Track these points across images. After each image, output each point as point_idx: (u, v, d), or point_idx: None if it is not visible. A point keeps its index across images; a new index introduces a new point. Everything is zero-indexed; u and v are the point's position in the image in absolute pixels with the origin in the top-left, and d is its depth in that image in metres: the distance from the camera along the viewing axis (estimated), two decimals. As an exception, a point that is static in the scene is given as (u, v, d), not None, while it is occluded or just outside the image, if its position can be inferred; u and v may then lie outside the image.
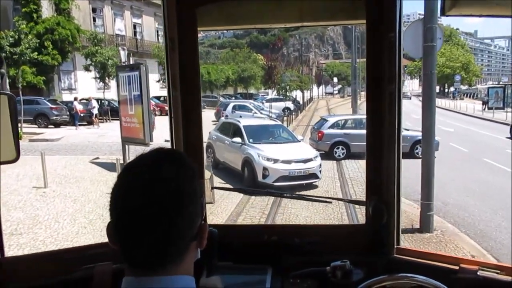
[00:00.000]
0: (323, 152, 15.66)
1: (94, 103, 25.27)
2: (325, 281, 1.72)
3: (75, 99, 25.20)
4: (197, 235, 0.94)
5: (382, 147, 1.80)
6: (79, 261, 1.76)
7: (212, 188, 2.01)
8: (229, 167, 12.80)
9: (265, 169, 10.96)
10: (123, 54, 16.80)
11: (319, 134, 15.69)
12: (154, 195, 0.88)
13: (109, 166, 12.49)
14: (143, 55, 40.36)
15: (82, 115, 24.49)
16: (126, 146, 13.07)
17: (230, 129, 13.48)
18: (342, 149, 15.35)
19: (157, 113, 29.93)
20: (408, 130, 16.07)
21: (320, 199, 2.71)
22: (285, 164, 10.92)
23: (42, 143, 17.86)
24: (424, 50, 6.99)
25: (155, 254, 0.88)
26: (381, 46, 1.76)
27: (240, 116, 18.96)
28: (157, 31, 43.56)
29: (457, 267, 1.65)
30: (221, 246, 1.49)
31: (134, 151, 13.66)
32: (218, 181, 10.67)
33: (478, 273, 1.61)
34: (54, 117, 23.93)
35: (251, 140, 12.19)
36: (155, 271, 0.88)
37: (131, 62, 39.30)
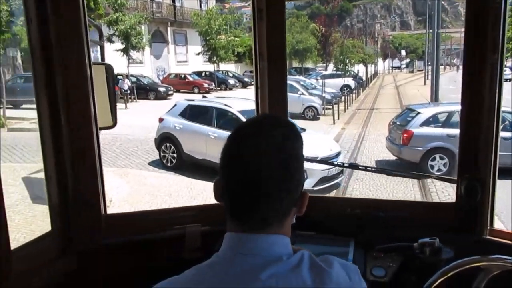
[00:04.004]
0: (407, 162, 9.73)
1: None
2: (411, 257, 1.67)
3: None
4: (298, 200, 0.96)
5: (480, 122, 1.71)
6: (170, 222, 1.91)
7: None
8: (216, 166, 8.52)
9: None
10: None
11: (405, 135, 9.54)
12: (268, 157, 0.90)
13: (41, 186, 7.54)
14: (182, 25, 35.74)
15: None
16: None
17: (208, 116, 10.27)
18: (444, 160, 9.23)
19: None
20: None
21: (407, 174, 1.56)
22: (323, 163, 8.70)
23: (18, 133, 13.53)
24: None
25: (262, 214, 0.91)
26: (485, 12, 1.64)
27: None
28: (200, -2, 38.58)
29: None
30: (304, 216, 1.09)
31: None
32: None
33: None
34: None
35: None
36: (258, 229, 0.92)
37: (169, 33, 35.11)
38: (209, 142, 9.70)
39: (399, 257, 1.72)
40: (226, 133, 9.57)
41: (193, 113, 10.45)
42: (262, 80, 1.95)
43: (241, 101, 11.48)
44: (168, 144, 10.36)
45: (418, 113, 10.17)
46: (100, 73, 1.79)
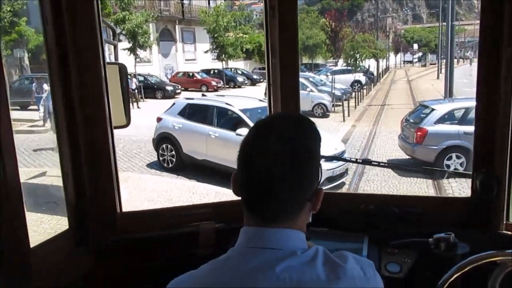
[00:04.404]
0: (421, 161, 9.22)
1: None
2: (426, 252, 1.66)
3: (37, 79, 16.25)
4: (312, 197, 0.98)
5: (495, 116, 1.70)
6: (185, 219, 1.94)
7: None
8: (219, 167, 9.10)
9: None
10: None
11: (419, 133, 8.97)
12: (277, 157, 0.93)
13: (47, 190, 7.37)
14: (191, 23, 35.38)
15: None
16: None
17: (208, 115, 9.91)
18: (461, 159, 8.69)
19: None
20: None
21: (420, 169, 1.18)
22: (328, 162, 8.19)
23: (21, 136, 12.96)
24: None
25: (274, 210, 0.94)
26: (501, 5, 1.64)
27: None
28: (208, -5, 38.15)
29: None
30: (317, 212, 1.11)
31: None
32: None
33: None
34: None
35: None
36: (272, 224, 0.94)
37: (177, 31, 34.80)
38: (209, 142, 9.46)
39: (414, 252, 1.72)
40: (227, 133, 9.36)
41: (192, 112, 10.15)
42: (274, 77, 1.97)
43: (242, 100, 11.28)
44: (166, 145, 10.09)
45: (433, 109, 9.63)
46: (114, 72, 1.82)
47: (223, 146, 9.13)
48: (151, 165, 10.39)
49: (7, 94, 1.29)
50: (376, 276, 0.97)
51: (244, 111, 9.46)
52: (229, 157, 8.85)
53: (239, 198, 0.99)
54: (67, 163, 1.69)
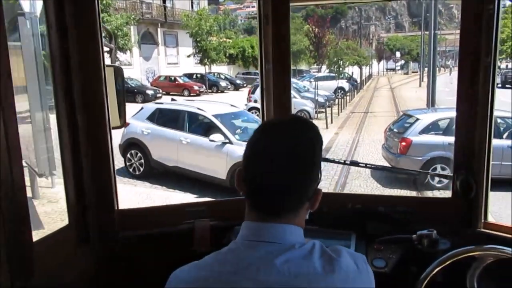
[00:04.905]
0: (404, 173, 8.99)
1: None
2: (410, 248, 1.76)
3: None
4: (311, 197, 1.03)
5: (474, 122, 1.81)
6: (180, 217, 2.02)
7: None
8: (190, 173, 9.01)
9: None
10: None
11: (403, 144, 8.67)
12: (287, 154, 0.97)
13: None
14: (173, 26, 34.90)
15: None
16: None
17: (179, 120, 9.53)
18: (445, 170, 8.42)
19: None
20: None
21: (402, 171, 1.58)
22: None
23: None
24: None
25: (277, 205, 0.99)
26: (479, 18, 1.75)
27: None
28: (192, -2, 37.73)
29: None
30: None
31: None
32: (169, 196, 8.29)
33: None
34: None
35: (237, 138, 8.71)
36: (273, 219, 0.98)
37: (159, 35, 34.28)
38: (180, 148, 9.08)
39: (398, 248, 1.79)
40: (199, 138, 8.84)
41: (162, 117, 9.74)
42: (267, 82, 2.04)
43: (214, 105, 11.01)
44: (134, 151, 9.65)
45: (417, 119, 9.32)
46: (110, 75, 1.87)
47: (195, 153, 8.83)
48: (124, 173, 9.90)
49: (14, 96, 1.33)
50: (368, 269, 1.02)
51: (216, 116, 9.14)
52: (201, 164, 8.52)
53: (234, 197, 0.93)
54: (69, 162, 1.75)
